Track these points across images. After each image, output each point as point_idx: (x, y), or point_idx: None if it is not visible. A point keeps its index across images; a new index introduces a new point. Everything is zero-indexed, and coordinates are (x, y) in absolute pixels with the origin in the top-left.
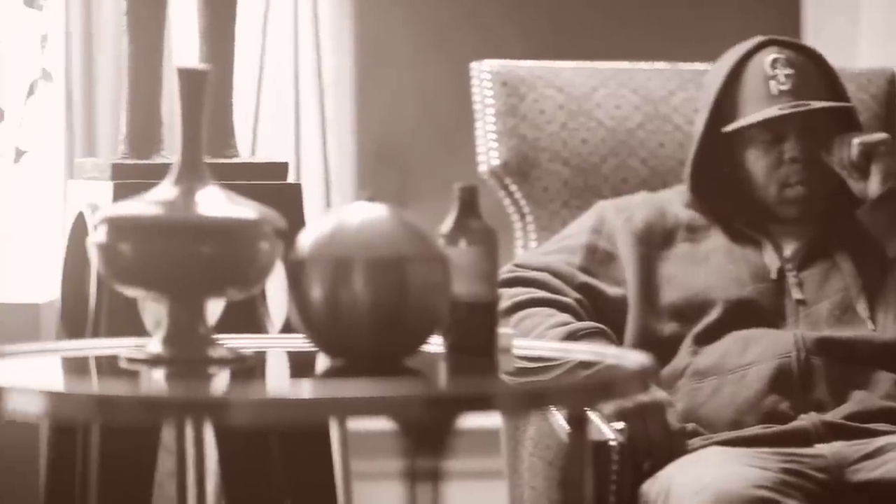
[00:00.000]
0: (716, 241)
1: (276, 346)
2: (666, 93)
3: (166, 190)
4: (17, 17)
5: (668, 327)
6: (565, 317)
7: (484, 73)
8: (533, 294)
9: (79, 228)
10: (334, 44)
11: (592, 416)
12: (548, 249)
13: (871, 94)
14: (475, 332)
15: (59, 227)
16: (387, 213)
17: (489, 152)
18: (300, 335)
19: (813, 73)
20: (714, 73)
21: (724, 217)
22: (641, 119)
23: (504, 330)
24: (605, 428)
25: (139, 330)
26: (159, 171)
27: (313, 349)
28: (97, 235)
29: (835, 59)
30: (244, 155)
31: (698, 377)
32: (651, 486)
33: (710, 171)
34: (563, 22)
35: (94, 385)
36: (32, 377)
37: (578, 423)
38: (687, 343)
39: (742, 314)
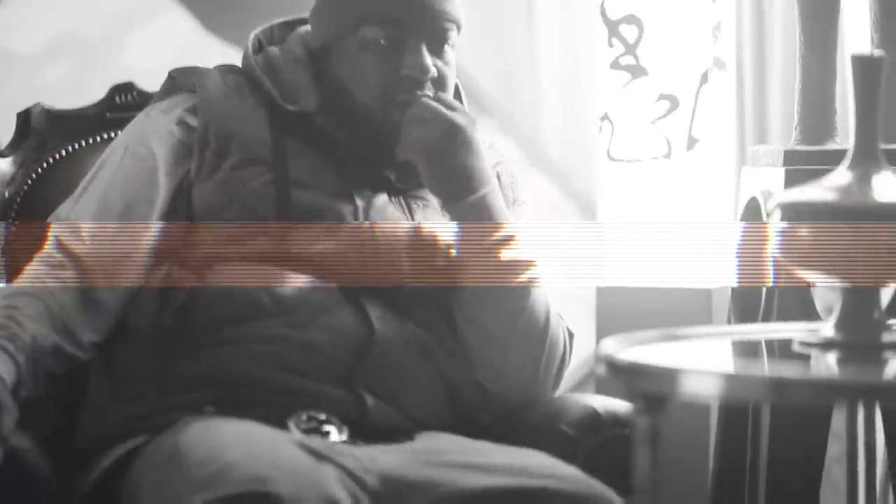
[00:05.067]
0: None
1: None
2: None
3: (841, 176)
4: (691, 7)
5: None
6: None
7: None
8: None
9: (751, 214)
10: None
11: None
12: None
13: None
14: None
15: (731, 213)
16: None
17: None
18: None
19: None
20: None
21: None
22: None
23: None
24: None
25: (810, 314)
26: (832, 158)
27: None
28: (774, 220)
29: None
30: None
31: None
32: None
33: None
34: None
35: (766, 367)
36: (705, 360)
37: None
38: None
39: None
